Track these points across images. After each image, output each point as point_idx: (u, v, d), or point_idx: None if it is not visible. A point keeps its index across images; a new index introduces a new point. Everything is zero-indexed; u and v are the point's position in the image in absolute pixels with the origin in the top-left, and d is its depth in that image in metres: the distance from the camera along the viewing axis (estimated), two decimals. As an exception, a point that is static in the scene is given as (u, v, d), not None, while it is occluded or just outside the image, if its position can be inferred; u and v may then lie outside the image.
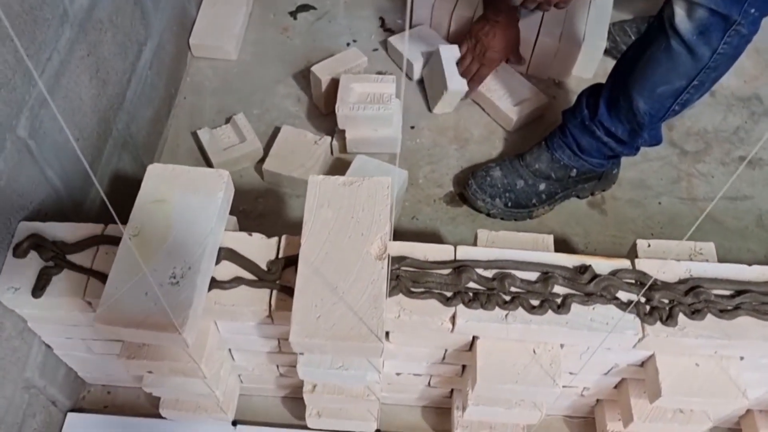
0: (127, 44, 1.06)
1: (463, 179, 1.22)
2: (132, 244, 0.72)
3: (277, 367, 0.90)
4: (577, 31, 1.33)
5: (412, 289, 0.75)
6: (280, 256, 0.77)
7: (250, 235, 0.79)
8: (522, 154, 1.19)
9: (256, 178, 1.24)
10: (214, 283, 0.75)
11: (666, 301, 0.75)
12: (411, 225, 1.19)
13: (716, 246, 0.84)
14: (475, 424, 0.91)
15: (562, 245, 1.16)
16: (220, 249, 0.77)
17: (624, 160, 1.23)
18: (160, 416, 0.94)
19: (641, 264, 0.78)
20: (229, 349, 0.87)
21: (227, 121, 1.28)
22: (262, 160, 1.23)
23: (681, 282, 0.76)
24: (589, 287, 0.75)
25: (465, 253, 0.77)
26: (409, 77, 1.38)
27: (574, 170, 1.16)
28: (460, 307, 0.74)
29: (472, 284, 0.75)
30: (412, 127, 1.31)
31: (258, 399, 0.99)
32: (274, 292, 0.75)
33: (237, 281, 0.75)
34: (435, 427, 0.98)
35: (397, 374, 0.89)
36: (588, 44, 1.33)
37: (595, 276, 0.76)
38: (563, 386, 0.88)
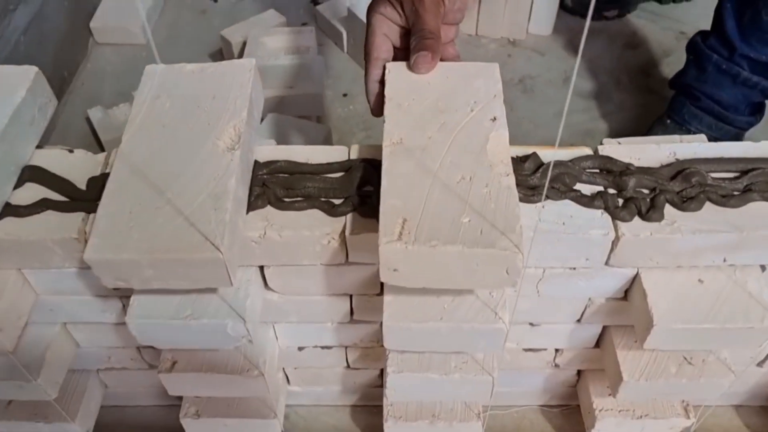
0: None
1: None
2: None
3: (139, 350, 0.67)
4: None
5: (285, 198, 0.53)
6: (107, 171, 0.56)
7: (71, 151, 0.58)
8: None
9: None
10: (9, 209, 0.53)
11: (645, 191, 0.53)
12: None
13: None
14: (412, 413, 0.66)
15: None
16: (25, 168, 0.56)
17: (603, 115, 1.04)
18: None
19: (606, 150, 0.56)
20: (67, 327, 0.64)
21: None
22: (165, 139, 1.03)
23: (665, 166, 0.55)
24: (534, 179, 0.53)
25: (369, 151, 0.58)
26: (340, 47, 1.20)
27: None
28: (353, 215, 0.52)
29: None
30: (345, 95, 1.13)
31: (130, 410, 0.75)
32: (92, 215, 0.53)
33: (41, 204, 0.54)
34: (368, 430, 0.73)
35: (300, 349, 0.66)
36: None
37: (541, 164, 0.54)
38: (525, 349, 0.65)
